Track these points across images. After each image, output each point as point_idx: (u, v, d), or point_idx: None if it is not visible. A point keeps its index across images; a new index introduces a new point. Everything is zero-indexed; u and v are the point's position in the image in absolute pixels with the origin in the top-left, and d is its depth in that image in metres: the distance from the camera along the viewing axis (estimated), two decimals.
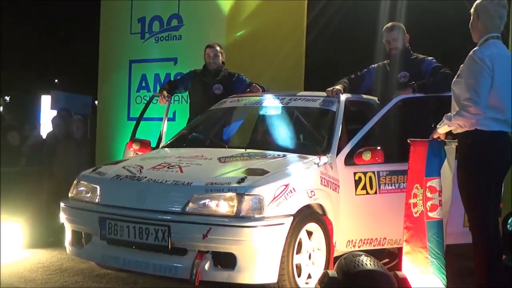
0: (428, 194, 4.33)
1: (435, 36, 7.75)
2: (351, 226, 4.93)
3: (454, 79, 4.28)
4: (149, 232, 4.34)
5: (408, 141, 4.51)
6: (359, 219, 5.00)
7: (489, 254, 4.10)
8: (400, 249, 5.38)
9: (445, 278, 4.37)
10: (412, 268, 4.38)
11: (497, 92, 4.05)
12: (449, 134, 4.44)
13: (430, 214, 4.33)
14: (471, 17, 4.24)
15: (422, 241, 4.34)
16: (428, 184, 4.34)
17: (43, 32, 23.60)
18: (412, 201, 4.39)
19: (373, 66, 5.80)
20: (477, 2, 4.21)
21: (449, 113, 4.21)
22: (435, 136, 4.42)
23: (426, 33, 7.77)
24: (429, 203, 4.33)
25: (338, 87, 5.51)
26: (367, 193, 5.00)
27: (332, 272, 4.03)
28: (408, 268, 4.40)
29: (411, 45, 5.70)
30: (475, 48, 4.15)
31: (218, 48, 6.57)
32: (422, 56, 5.59)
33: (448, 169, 4.50)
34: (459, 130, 4.15)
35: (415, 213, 4.37)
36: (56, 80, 27.71)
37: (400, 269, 4.45)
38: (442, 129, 4.30)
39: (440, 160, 4.41)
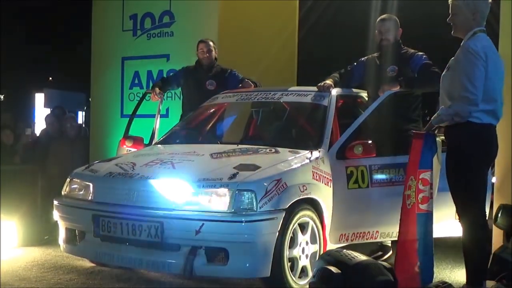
0: (421, 186, 4.36)
1: (426, 29, 7.79)
2: (344, 220, 4.95)
3: (444, 72, 4.31)
4: (142, 229, 4.36)
5: (410, 133, 4.53)
6: (352, 213, 5.02)
7: (479, 246, 4.13)
8: (393, 243, 5.44)
9: (433, 269, 4.41)
10: (403, 259, 4.41)
11: (490, 84, 4.08)
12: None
13: (421, 206, 4.36)
14: (452, 13, 4.25)
15: (413, 233, 4.37)
16: (421, 176, 4.37)
17: (35, 30, 23.52)
18: (407, 192, 4.42)
19: (362, 59, 5.80)
20: None
21: (442, 106, 4.23)
22: (431, 129, 4.44)
23: (417, 27, 7.81)
24: (420, 195, 4.36)
25: (329, 81, 5.53)
26: (359, 187, 5.02)
27: (335, 269, 4.05)
28: (400, 259, 4.43)
29: (402, 39, 5.71)
30: (466, 41, 4.17)
31: (211, 43, 6.59)
32: (412, 50, 5.58)
33: (436, 162, 4.53)
34: (452, 123, 4.18)
35: (408, 204, 4.40)
36: (50, 78, 27.63)
37: (394, 262, 4.48)
38: (436, 121, 4.32)
39: (432, 153, 4.44)
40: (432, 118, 4.33)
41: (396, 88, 5.23)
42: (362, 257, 4.23)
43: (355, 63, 5.81)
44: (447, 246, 5.87)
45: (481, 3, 4.19)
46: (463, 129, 4.13)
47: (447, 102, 4.19)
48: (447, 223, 5.18)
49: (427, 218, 4.37)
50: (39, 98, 14.54)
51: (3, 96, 28.50)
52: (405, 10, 7.64)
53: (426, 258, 4.37)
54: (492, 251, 4.49)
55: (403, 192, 4.45)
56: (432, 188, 4.41)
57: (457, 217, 4.39)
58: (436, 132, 4.44)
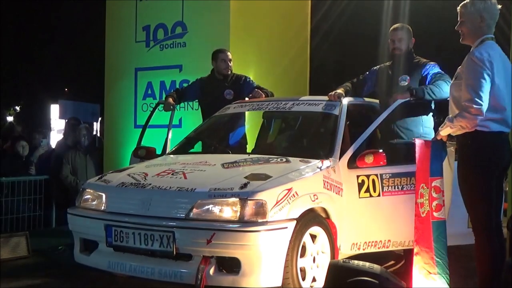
0: (434, 194, 4.35)
1: (438, 37, 7.79)
2: (355, 229, 4.95)
3: (452, 81, 4.31)
4: (154, 239, 4.39)
5: (412, 140, 4.53)
6: (363, 221, 5.02)
7: (492, 254, 4.11)
8: (405, 251, 5.42)
9: (448, 277, 4.40)
10: (420, 268, 4.40)
11: (497, 92, 4.07)
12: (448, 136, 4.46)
13: (435, 214, 4.35)
14: (460, 20, 4.25)
15: (429, 241, 4.36)
16: (433, 184, 4.37)
17: (51, 41, 23.76)
18: (419, 201, 4.41)
19: (374, 68, 5.82)
20: (467, 2, 4.22)
21: (450, 115, 4.23)
22: (438, 138, 4.44)
23: (429, 34, 7.80)
24: (434, 203, 4.36)
25: (340, 91, 5.55)
26: (371, 195, 5.02)
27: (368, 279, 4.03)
28: (416, 268, 4.42)
29: (415, 47, 5.72)
30: (472, 49, 4.17)
31: (229, 53, 6.60)
32: (424, 60, 5.59)
33: (448, 170, 4.52)
34: (459, 132, 4.17)
35: (422, 213, 4.39)
36: (66, 89, 27.87)
37: (407, 271, 4.47)
38: (444, 131, 4.31)
39: (442, 160, 4.44)
40: (440, 128, 4.33)
41: (407, 97, 5.23)
42: (375, 265, 4.23)
43: (367, 72, 5.83)
44: (460, 254, 5.84)
45: (489, 10, 4.17)
46: (472, 138, 4.12)
47: (455, 111, 4.19)
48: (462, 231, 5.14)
49: (442, 225, 4.37)
50: (55, 109, 14.65)
51: (19, 108, 28.79)
52: (418, 18, 7.64)
53: (441, 266, 4.36)
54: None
55: (415, 200, 4.45)
56: (444, 196, 4.40)
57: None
58: (447, 140, 4.44)
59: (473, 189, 4.16)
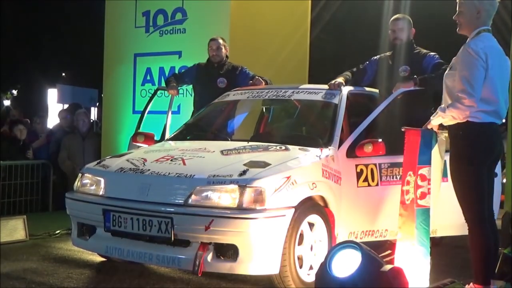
0: (419, 182, 4.39)
1: (438, 28, 7.78)
2: (353, 218, 4.97)
3: (447, 71, 4.30)
4: (152, 224, 4.40)
5: (402, 129, 4.55)
6: (361, 210, 5.04)
7: (485, 245, 4.13)
8: None
9: (429, 264, 4.43)
10: (401, 254, 4.44)
11: (490, 84, 4.07)
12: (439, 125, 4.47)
13: (419, 201, 4.39)
14: (458, 10, 4.24)
15: (411, 228, 4.40)
16: (420, 172, 4.40)
17: (49, 25, 23.67)
18: (405, 188, 4.44)
19: (375, 58, 5.82)
20: None
21: (443, 105, 4.24)
22: (428, 127, 4.46)
23: (430, 26, 7.79)
24: (419, 191, 4.39)
25: (340, 79, 5.55)
26: (369, 185, 5.04)
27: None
28: (398, 254, 4.45)
29: (414, 39, 5.72)
30: (468, 41, 4.17)
31: (221, 41, 6.61)
32: (425, 51, 5.59)
33: (438, 159, 4.54)
34: (451, 122, 4.18)
35: (407, 200, 4.43)
36: (63, 74, 27.81)
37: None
38: (435, 121, 4.33)
39: (431, 149, 4.46)
40: (431, 117, 4.35)
41: (410, 86, 5.24)
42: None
43: (367, 62, 5.83)
44: (456, 245, 5.88)
45: (486, 2, 4.16)
46: (463, 128, 4.14)
47: (448, 101, 4.20)
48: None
49: (425, 213, 4.40)
50: (52, 93, 14.63)
51: (16, 92, 28.72)
52: (418, 9, 7.63)
53: (423, 252, 4.38)
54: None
55: (401, 187, 4.47)
56: (429, 184, 4.42)
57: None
58: (439, 129, 4.46)
59: (464, 180, 4.18)
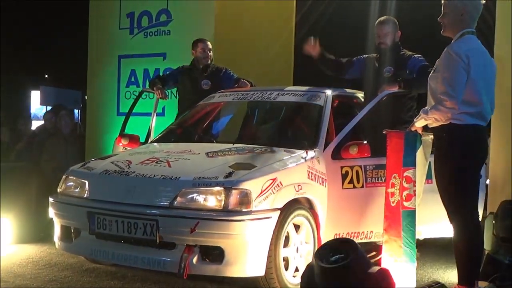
0: (405, 184, 4.41)
1: (424, 29, 7.82)
2: (338, 220, 4.97)
3: (431, 74, 4.32)
4: (138, 227, 4.38)
5: (384, 132, 4.56)
6: (346, 212, 5.04)
7: (469, 247, 4.15)
8: None
9: (415, 266, 4.46)
10: (387, 256, 4.45)
11: (473, 86, 4.08)
12: (425, 127, 4.49)
13: (405, 203, 4.41)
14: (443, 12, 4.27)
15: (397, 230, 4.43)
16: (405, 174, 4.43)
17: (31, 26, 23.48)
18: (390, 190, 4.46)
19: (363, 56, 5.86)
20: None
21: (426, 107, 4.27)
22: (412, 129, 4.48)
23: (415, 27, 7.82)
24: (405, 193, 4.42)
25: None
26: (354, 187, 5.05)
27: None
28: (384, 256, 4.47)
29: (400, 38, 5.74)
30: (451, 43, 4.20)
31: (209, 43, 6.61)
32: (410, 53, 5.63)
33: (422, 160, 4.56)
34: (435, 124, 4.21)
35: (393, 202, 4.45)
36: (46, 75, 27.59)
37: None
38: (419, 123, 4.36)
39: (415, 151, 4.47)
40: (415, 119, 4.37)
41: (395, 89, 5.26)
42: None
43: (356, 57, 5.89)
44: (440, 247, 5.91)
45: (470, 4, 4.19)
46: (446, 130, 4.16)
47: (432, 103, 4.22)
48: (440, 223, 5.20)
49: (411, 215, 4.42)
50: (35, 95, 14.53)
51: None
52: (404, 10, 7.66)
53: (409, 254, 4.40)
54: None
55: (386, 190, 4.49)
56: (415, 186, 4.43)
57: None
58: (423, 131, 4.48)
59: (448, 181, 4.20)
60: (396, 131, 4.57)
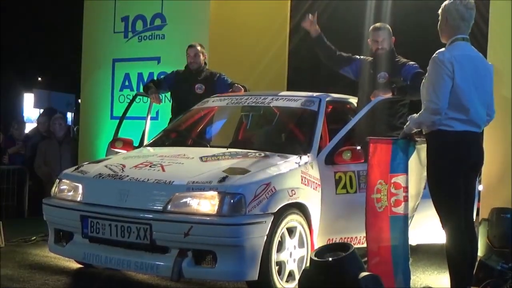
0: (393, 190, 4.40)
1: (419, 35, 7.85)
2: (332, 225, 4.98)
3: (423, 81, 4.34)
4: (131, 231, 4.37)
5: (367, 139, 4.58)
6: (340, 218, 5.04)
7: (461, 252, 4.14)
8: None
9: (409, 274, 4.45)
10: (377, 264, 4.44)
11: (460, 93, 4.09)
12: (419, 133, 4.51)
13: (394, 209, 4.41)
14: (439, 19, 4.30)
15: (386, 235, 4.42)
16: (393, 180, 4.42)
17: (25, 30, 23.43)
18: (375, 196, 4.46)
19: (359, 57, 5.88)
20: (445, 3, 4.26)
21: (414, 114, 4.30)
22: (401, 136, 4.49)
23: (411, 32, 7.86)
24: (393, 199, 4.41)
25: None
26: (347, 192, 5.06)
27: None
28: (374, 264, 4.45)
29: (395, 44, 5.77)
30: (438, 50, 4.22)
31: (199, 47, 6.61)
32: (404, 60, 5.65)
33: (418, 166, 4.55)
34: (426, 131, 4.23)
35: (379, 208, 4.44)
36: (39, 78, 27.52)
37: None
38: (407, 129, 4.39)
39: (406, 157, 4.47)
40: (404, 126, 4.40)
41: (389, 95, 5.29)
42: None
43: (355, 56, 5.91)
44: (432, 253, 5.93)
45: (451, 11, 4.20)
46: (435, 136, 4.18)
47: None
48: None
49: (402, 221, 4.41)
50: (28, 98, 14.51)
51: None
52: (399, 17, 7.68)
53: (403, 262, 4.40)
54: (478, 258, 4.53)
55: (369, 195, 4.47)
56: (406, 192, 4.43)
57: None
58: (418, 137, 4.50)
59: (439, 187, 4.21)
60: (381, 138, 4.58)
